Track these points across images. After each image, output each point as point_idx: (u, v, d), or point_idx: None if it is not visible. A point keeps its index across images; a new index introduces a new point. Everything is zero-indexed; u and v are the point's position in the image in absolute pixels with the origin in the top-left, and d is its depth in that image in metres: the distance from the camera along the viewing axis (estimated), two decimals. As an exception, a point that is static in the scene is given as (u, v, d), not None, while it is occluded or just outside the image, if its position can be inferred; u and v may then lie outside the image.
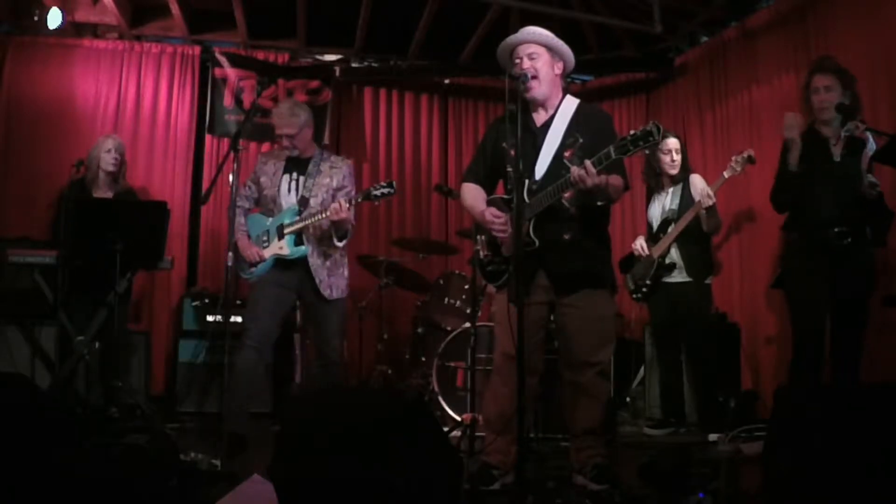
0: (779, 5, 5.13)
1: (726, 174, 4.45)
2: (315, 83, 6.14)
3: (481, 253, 3.26)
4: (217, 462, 3.09)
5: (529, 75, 3.01)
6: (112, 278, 4.26)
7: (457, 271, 5.11)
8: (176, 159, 5.90)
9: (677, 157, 4.64)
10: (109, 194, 4.84)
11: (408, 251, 5.53)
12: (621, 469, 3.19)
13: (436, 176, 6.50)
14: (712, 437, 4.15)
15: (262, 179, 3.99)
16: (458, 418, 4.31)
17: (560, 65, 3.13)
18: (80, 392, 4.57)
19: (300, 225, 3.83)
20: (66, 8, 5.58)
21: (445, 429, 3.96)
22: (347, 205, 3.72)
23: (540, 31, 3.11)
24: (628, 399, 5.27)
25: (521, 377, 2.52)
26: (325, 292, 3.87)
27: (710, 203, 4.40)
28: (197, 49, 6.06)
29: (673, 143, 4.64)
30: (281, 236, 3.88)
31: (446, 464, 2.00)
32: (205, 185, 5.86)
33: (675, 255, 4.58)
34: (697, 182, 4.62)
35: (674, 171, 4.65)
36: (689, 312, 4.56)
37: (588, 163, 2.79)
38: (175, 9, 5.65)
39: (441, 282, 5.06)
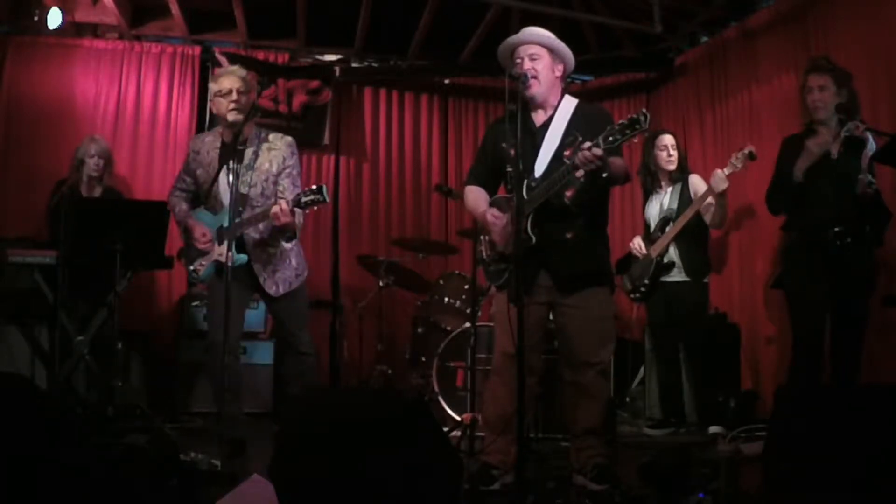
0: (779, 5, 5.13)
1: (727, 171, 4.41)
2: (315, 83, 6.13)
3: (484, 253, 3.26)
4: (217, 462, 3.08)
5: (530, 76, 3.01)
6: (112, 278, 4.26)
7: (457, 271, 5.11)
8: (176, 159, 5.88)
9: (673, 153, 4.66)
10: (98, 192, 4.86)
11: (408, 251, 5.52)
12: (621, 469, 3.19)
13: (436, 176, 6.50)
14: (713, 429, 4.16)
15: (199, 172, 3.65)
16: (458, 418, 4.31)
17: (560, 67, 3.14)
18: (80, 392, 4.57)
19: (237, 230, 3.45)
20: (66, 8, 5.57)
21: (445, 429, 3.96)
22: (289, 207, 3.35)
23: (541, 32, 3.11)
24: (628, 399, 5.27)
25: (521, 377, 2.52)
26: (271, 290, 3.64)
27: (724, 186, 4.34)
28: (197, 49, 6.06)
29: (668, 139, 4.67)
30: (221, 241, 3.57)
31: (446, 464, 2.00)
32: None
33: (673, 253, 4.58)
34: (697, 182, 4.63)
35: (671, 167, 4.66)
36: (687, 312, 4.56)
37: (587, 145, 2.75)
38: (175, 9, 5.64)
39: (441, 282, 5.06)
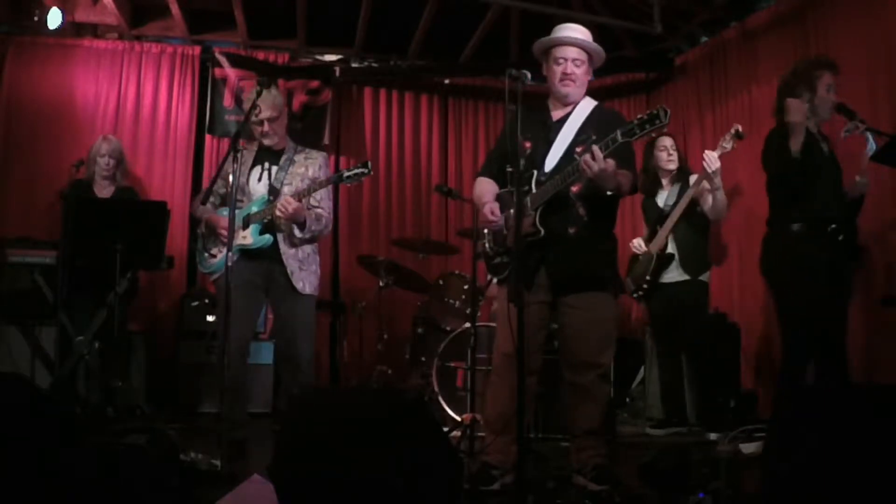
0: (779, 5, 5.14)
1: (717, 152, 4.34)
2: (315, 83, 6.14)
3: (487, 245, 3.26)
4: (217, 462, 3.08)
5: (568, 79, 3.12)
6: (112, 278, 4.26)
7: (457, 271, 5.11)
8: (176, 159, 5.90)
9: (673, 153, 4.73)
10: (110, 190, 4.86)
11: (408, 251, 5.52)
12: (621, 469, 3.18)
13: (436, 176, 6.49)
14: (712, 436, 4.15)
15: (229, 170, 3.69)
16: (458, 418, 4.31)
17: (591, 71, 3.24)
18: (80, 392, 4.57)
19: (266, 212, 3.65)
20: (66, 8, 5.58)
21: (445, 429, 3.96)
22: (295, 200, 3.56)
23: (587, 39, 3.18)
24: (628, 399, 5.26)
25: (522, 377, 2.52)
26: (298, 285, 3.67)
27: (717, 167, 4.27)
28: (197, 49, 6.06)
29: (667, 140, 4.73)
30: (246, 226, 3.67)
31: (446, 464, 2.00)
32: (205, 185, 5.86)
33: (671, 247, 4.60)
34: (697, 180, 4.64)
35: (671, 167, 4.69)
36: (687, 311, 4.56)
37: (595, 147, 2.79)
38: (175, 9, 5.65)
39: (441, 282, 5.05)
